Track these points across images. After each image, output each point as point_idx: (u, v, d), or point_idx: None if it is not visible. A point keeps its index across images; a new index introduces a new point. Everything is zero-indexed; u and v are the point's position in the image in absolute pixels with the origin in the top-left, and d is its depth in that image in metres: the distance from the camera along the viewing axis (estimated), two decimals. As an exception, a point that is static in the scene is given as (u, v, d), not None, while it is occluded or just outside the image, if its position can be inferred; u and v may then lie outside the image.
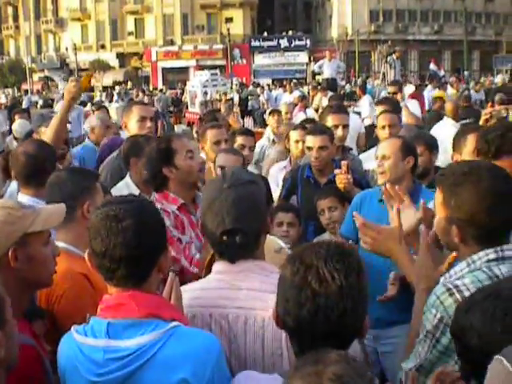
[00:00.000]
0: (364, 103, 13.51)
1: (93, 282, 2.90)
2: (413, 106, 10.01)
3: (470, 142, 4.30)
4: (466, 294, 2.34)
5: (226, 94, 25.62)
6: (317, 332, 1.93)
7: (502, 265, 2.44)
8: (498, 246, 2.47)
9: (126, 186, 4.74)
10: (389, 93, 11.80)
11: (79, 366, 2.23)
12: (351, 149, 6.44)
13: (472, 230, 2.50)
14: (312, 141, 5.24)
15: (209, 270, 2.70)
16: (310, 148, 5.25)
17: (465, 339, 2.01)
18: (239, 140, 5.98)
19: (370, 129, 8.71)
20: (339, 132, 5.95)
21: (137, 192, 4.60)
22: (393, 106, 7.18)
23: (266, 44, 66.21)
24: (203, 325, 2.52)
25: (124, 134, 8.25)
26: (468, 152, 4.25)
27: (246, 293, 2.49)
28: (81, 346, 2.25)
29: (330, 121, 6.09)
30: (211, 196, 2.54)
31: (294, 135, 6.38)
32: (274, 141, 8.61)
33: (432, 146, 5.20)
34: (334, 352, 1.64)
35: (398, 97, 10.73)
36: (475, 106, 17.82)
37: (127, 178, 4.83)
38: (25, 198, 4.01)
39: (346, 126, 6.16)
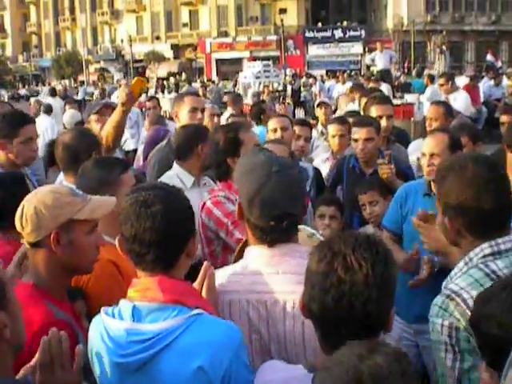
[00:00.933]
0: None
1: (121, 268, 2.94)
2: (460, 98, 9.90)
3: None
4: (465, 296, 2.34)
5: (267, 86, 25.43)
6: (340, 319, 1.92)
7: (498, 260, 2.43)
8: (492, 240, 2.45)
9: (176, 177, 4.68)
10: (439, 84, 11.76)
11: (104, 347, 2.28)
12: (395, 140, 6.36)
13: (462, 219, 2.50)
14: (358, 133, 5.20)
15: (240, 256, 2.71)
16: (356, 140, 5.20)
17: (484, 329, 1.99)
18: (296, 130, 5.93)
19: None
20: (383, 123, 5.85)
21: (191, 181, 4.69)
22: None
23: (320, 35, 65.91)
24: (240, 311, 2.52)
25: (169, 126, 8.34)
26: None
27: (283, 276, 2.48)
28: (107, 327, 2.29)
29: (373, 111, 6.02)
30: (261, 179, 2.50)
31: (331, 130, 6.30)
32: (322, 133, 8.56)
33: (476, 137, 5.12)
34: (382, 343, 1.66)
35: (443, 88, 10.88)
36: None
37: (177, 168, 4.77)
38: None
39: (390, 117, 6.08)
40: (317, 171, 5.75)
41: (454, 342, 2.36)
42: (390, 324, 2.02)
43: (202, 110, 5.73)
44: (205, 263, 2.60)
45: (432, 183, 4.22)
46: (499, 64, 32.91)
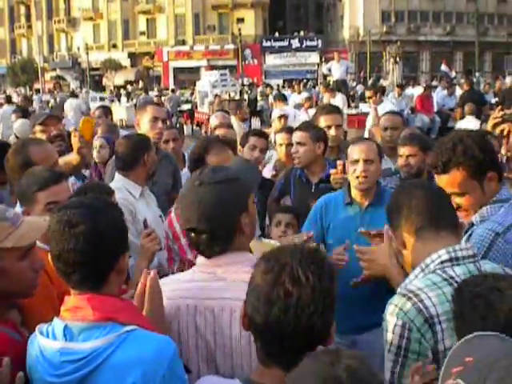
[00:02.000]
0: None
1: (51, 275, 2.84)
2: (387, 108, 10.20)
3: None
4: (423, 296, 2.35)
5: (219, 96, 25.46)
6: (285, 332, 1.90)
7: (456, 266, 2.45)
8: (450, 247, 2.48)
9: (123, 188, 4.63)
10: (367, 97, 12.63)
11: (39, 367, 2.25)
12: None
13: (409, 225, 2.58)
14: (293, 137, 5.33)
15: None
16: (295, 144, 5.27)
17: None
18: (251, 141, 5.89)
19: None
20: (332, 132, 5.92)
21: (139, 191, 4.67)
22: None
23: (277, 44, 66.21)
24: (188, 317, 2.51)
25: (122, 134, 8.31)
26: None
27: (230, 284, 2.48)
28: (41, 347, 2.26)
29: (322, 121, 6.06)
30: (183, 191, 2.61)
31: (278, 138, 6.41)
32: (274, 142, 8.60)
33: (426, 146, 5.17)
34: (348, 350, 1.65)
35: (372, 100, 11.94)
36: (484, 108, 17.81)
37: (123, 180, 4.70)
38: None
39: (339, 126, 6.15)
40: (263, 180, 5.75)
41: (403, 344, 2.35)
42: (332, 337, 2.01)
43: (164, 120, 5.77)
44: (144, 270, 2.57)
45: (353, 191, 4.28)
46: (453, 74, 33.44)
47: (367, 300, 3.89)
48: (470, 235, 2.96)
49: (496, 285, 2.11)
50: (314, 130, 5.36)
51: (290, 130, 6.25)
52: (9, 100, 18.92)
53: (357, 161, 4.25)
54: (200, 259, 2.61)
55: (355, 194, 4.32)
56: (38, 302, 2.76)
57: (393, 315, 2.39)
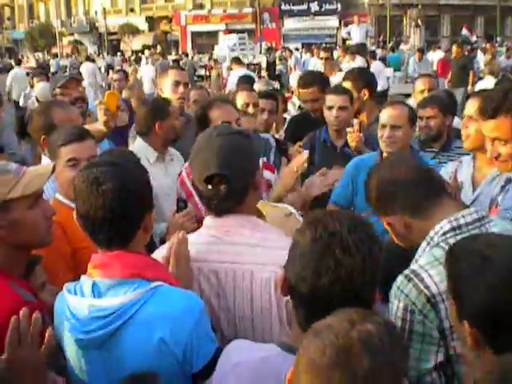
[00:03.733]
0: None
1: (68, 229, 2.93)
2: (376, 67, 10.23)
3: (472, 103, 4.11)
4: (424, 275, 2.31)
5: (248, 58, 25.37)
6: (332, 301, 1.81)
7: (459, 235, 2.36)
8: (451, 216, 2.42)
9: (139, 151, 4.61)
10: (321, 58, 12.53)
11: (68, 324, 2.28)
12: None
13: (403, 206, 2.53)
14: (333, 100, 5.17)
15: None
16: (330, 107, 5.17)
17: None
18: (260, 103, 5.76)
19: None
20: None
21: (154, 155, 4.70)
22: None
23: (295, 8, 65.39)
24: (193, 279, 2.52)
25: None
26: (468, 113, 4.06)
27: (234, 247, 2.48)
28: (69, 304, 2.29)
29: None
30: (199, 144, 2.53)
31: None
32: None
33: (446, 108, 5.12)
34: (373, 313, 1.61)
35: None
36: (506, 72, 17.60)
37: (140, 142, 4.80)
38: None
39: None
40: (277, 140, 5.71)
41: (406, 326, 2.31)
42: (375, 303, 1.96)
43: (185, 84, 5.75)
44: (176, 232, 2.58)
45: (384, 154, 4.26)
46: (474, 38, 33.02)
47: None
48: (507, 191, 2.91)
49: (489, 240, 2.05)
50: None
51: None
52: (18, 62, 19.50)
53: (384, 125, 4.27)
54: (207, 220, 2.60)
55: (385, 157, 4.27)
56: (49, 257, 2.82)
57: (395, 298, 2.35)
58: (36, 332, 2.12)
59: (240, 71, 15.07)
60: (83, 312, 2.23)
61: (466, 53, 19.94)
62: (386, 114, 4.32)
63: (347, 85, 5.83)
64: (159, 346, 2.16)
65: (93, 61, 23.86)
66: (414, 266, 2.40)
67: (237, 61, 17.06)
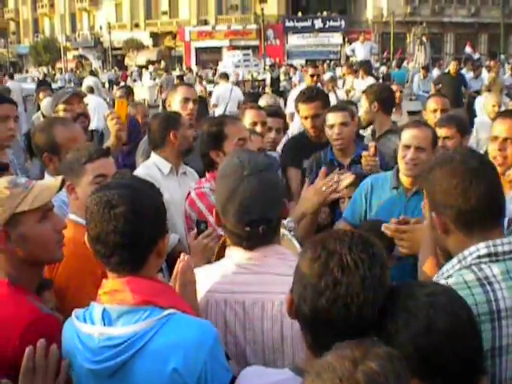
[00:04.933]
0: None
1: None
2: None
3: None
4: None
5: (252, 74, 25.52)
6: (333, 322, 1.81)
7: (494, 263, 2.27)
8: (490, 241, 2.29)
9: (153, 164, 4.76)
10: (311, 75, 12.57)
11: (76, 353, 2.21)
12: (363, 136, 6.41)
13: (449, 212, 2.33)
14: (333, 118, 5.10)
15: (221, 254, 2.65)
16: (332, 126, 5.10)
17: None
18: (267, 121, 5.65)
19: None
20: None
21: (168, 168, 4.70)
22: None
23: (300, 25, 65.68)
24: (217, 312, 2.46)
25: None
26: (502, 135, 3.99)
27: (262, 277, 2.42)
28: (78, 332, 2.22)
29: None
30: (232, 184, 2.43)
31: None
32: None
33: (463, 129, 5.10)
34: (381, 346, 1.56)
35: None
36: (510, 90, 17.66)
37: (154, 156, 4.82)
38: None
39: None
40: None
41: None
42: None
43: (194, 101, 5.73)
44: (181, 256, 2.53)
45: (399, 176, 4.19)
46: (477, 56, 33.12)
47: None
48: None
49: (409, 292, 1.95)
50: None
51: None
52: (11, 76, 19.79)
53: (408, 146, 4.08)
54: (233, 252, 2.54)
55: (403, 179, 4.19)
56: (79, 278, 2.83)
57: None
58: (52, 364, 2.08)
59: (225, 86, 16.18)
60: (93, 340, 2.16)
61: (472, 71, 19.95)
62: (410, 135, 4.12)
63: (363, 98, 6.21)
64: (172, 377, 2.08)
65: (95, 75, 24.01)
66: (442, 281, 2.29)
67: (224, 76, 17.73)
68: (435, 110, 6.15)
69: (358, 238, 1.91)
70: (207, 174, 4.10)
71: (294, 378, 1.91)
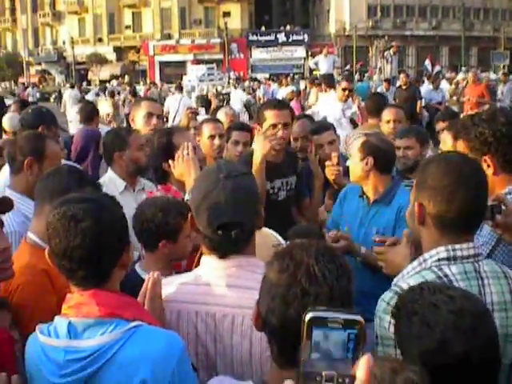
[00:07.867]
0: None
1: (53, 277, 2.78)
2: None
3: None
4: None
5: (216, 88, 25.65)
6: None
7: (453, 265, 2.40)
8: (449, 245, 2.42)
9: (110, 181, 4.63)
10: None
11: (42, 367, 2.18)
12: None
13: (431, 206, 2.44)
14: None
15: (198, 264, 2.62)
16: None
17: None
18: (234, 135, 5.66)
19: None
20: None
21: (122, 185, 4.58)
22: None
23: (263, 38, 66.03)
24: (188, 322, 2.45)
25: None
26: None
27: (234, 290, 2.41)
28: (43, 347, 2.19)
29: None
30: (207, 187, 2.42)
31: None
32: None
33: (423, 139, 5.23)
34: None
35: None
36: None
37: (110, 173, 4.71)
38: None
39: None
40: None
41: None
42: None
43: (158, 116, 5.67)
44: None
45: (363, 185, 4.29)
46: (438, 68, 33.60)
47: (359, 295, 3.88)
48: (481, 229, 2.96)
49: (432, 299, 2.05)
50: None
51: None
52: None
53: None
54: (207, 261, 2.52)
55: (366, 188, 4.30)
56: (33, 302, 2.74)
57: (385, 313, 2.33)
58: None
59: (174, 97, 17.33)
60: (59, 354, 2.13)
61: (431, 83, 20.25)
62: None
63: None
64: (140, 389, 2.07)
65: (73, 87, 24.27)
66: (402, 284, 2.40)
67: (178, 87, 19.99)
68: (388, 121, 6.30)
69: (324, 249, 1.91)
70: (159, 186, 4.11)
71: None
